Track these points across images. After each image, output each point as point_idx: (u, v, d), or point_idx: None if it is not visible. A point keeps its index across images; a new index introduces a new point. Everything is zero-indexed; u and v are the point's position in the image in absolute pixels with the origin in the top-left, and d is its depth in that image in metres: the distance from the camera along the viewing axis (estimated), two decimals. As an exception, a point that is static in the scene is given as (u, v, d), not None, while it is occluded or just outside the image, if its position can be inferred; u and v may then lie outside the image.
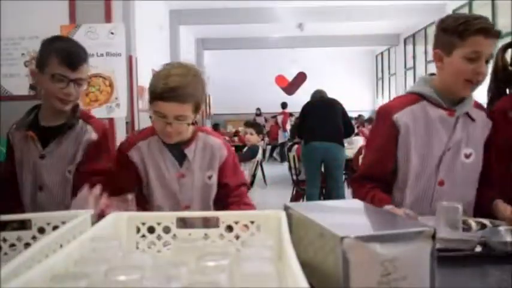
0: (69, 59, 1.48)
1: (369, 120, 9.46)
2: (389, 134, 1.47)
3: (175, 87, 1.34)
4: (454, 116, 1.46)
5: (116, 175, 1.52)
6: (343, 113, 4.63)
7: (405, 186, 1.47)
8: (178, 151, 1.50)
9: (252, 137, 4.98)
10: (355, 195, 1.58)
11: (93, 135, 1.58)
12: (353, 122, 8.75)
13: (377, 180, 1.51)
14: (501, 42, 1.63)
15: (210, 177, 1.53)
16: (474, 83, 1.40)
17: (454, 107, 1.46)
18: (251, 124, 5.40)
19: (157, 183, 1.49)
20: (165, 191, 1.49)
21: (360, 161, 4.45)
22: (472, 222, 1.22)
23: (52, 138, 1.54)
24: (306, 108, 4.74)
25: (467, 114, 1.48)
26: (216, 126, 9.14)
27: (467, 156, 1.47)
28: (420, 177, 1.46)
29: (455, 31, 1.38)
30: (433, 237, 0.77)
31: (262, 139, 6.88)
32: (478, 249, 1.06)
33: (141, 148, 1.50)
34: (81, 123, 1.59)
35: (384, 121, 1.50)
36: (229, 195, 1.57)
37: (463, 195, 1.44)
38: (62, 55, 1.47)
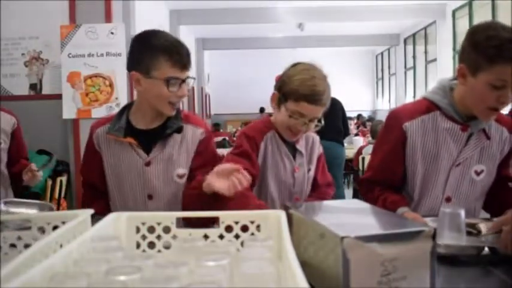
0: (182, 60, 1.38)
1: (370, 119, 9.45)
2: (398, 141, 1.44)
3: (322, 91, 1.40)
4: (467, 132, 1.40)
5: (250, 153, 1.48)
6: (343, 112, 4.61)
7: (412, 199, 1.46)
8: (290, 146, 1.55)
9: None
10: (364, 199, 1.56)
11: (201, 132, 1.50)
12: (353, 121, 8.78)
13: (385, 184, 1.49)
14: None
15: (309, 171, 1.60)
16: (497, 110, 1.32)
17: (470, 121, 1.40)
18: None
19: (273, 176, 1.52)
20: (281, 184, 1.53)
21: (360, 161, 4.45)
22: (483, 226, 1.17)
23: (153, 143, 1.44)
24: None
25: (483, 131, 1.41)
26: (216, 126, 9.12)
27: (478, 173, 1.42)
28: (427, 192, 1.43)
29: (485, 53, 1.23)
30: (433, 237, 0.77)
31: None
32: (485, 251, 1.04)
33: (267, 139, 1.52)
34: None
35: (393, 127, 1.46)
36: (313, 191, 1.63)
37: (469, 209, 1.42)
38: (173, 57, 1.36)
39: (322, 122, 1.48)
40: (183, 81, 1.40)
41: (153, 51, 1.36)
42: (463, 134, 1.39)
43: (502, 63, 1.22)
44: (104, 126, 1.49)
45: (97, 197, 1.53)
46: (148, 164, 1.44)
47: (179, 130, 1.46)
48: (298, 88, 1.39)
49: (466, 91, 1.35)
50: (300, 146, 1.56)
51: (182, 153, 1.47)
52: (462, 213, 1.10)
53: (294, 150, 1.55)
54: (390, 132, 1.48)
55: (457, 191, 1.42)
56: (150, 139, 1.45)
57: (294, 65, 1.49)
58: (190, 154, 1.48)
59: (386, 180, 1.49)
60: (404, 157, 1.44)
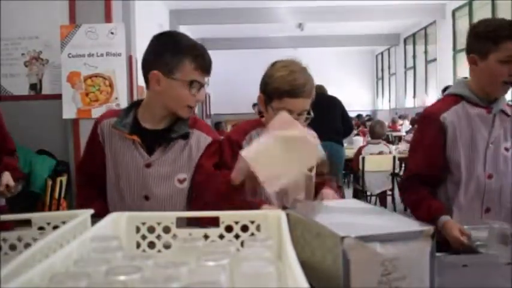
0: (205, 64, 1.40)
1: (370, 119, 9.45)
2: (438, 133, 1.55)
3: (303, 83, 1.39)
4: (492, 113, 1.56)
5: (228, 162, 1.45)
6: (343, 111, 4.59)
7: (459, 183, 1.54)
8: None
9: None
10: (406, 199, 1.68)
11: (208, 140, 1.47)
12: (353, 121, 8.78)
13: (428, 180, 1.57)
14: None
15: None
16: (510, 83, 1.51)
17: (490, 105, 1.57)
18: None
19: None
20: None
21: (360, 161, 4.44)
22: None
23: (157, 144, 1.43)
24: None
25: (502, 111, 1.58)
26: (217, 126, 9.12)
27: (507, 149, 1.57)
28: (471, 175, 1.54)
29: (488, 37, 1.49)
30: (433, 237, 0.77)
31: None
32: None
33: (250, 138, 1.49)
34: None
35: (432, 122, 1.58)
36: None
37: (505, 187, 1.55)
38: (197, 60, 1.38)
39: (312, 113, 1.47)
40: (202, 85, 1.41)
41: (177, 52, 1.37)
42: (489, 116, 1.56)
43: (505, 41, 1.46)
44: (110, 119, 1.48)
45: (92, 199, 1.51)
46: (149, 165, 1.43)
47: (185, 136, 1.44)
48: (279, 86, 1.39)
49: (480, 75, 1.55)
50: None
51: (185, 158, 1.45)
52: (509, 227, 1.21)
53: None
54: (428, 128, 1.60)
55: (494, 169, 1.55)
56: (154, 139, 1.43)
57: (273, 64, 1.49)
58: (193, 159, 1.45)
59: (430, 176, 1.57)
60: (446, 148, 1.55)
